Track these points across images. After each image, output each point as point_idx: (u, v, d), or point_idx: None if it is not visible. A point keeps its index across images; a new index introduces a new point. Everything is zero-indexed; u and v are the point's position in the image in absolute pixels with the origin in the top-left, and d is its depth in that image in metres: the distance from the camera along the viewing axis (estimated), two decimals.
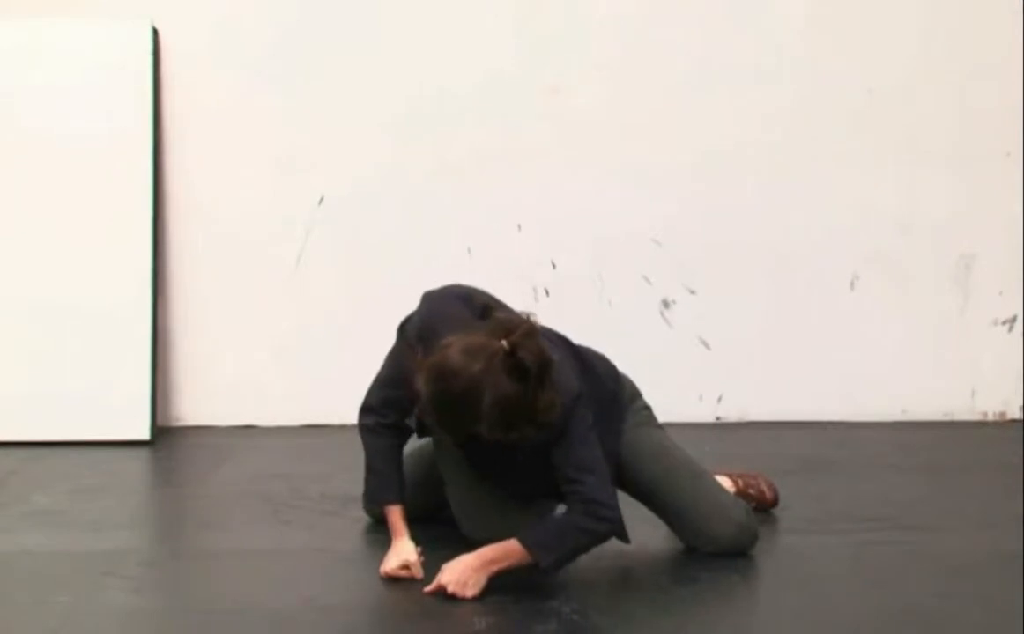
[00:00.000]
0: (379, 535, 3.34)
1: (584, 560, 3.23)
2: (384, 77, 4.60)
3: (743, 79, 4.61)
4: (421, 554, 3.11)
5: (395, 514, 3.17)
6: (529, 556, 2.97)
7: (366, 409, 3.22)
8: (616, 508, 3.02)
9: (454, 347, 2.82)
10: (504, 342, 2.82)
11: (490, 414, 2.81)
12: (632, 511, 3.61)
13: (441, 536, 3.24)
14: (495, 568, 2.99)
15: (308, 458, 4.21)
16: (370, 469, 3.23)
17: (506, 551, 2.99)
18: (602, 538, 3.03)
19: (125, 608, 3.01)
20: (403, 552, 3.11)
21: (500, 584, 3.08)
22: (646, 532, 3.45)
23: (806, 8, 4.61)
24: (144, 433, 4.49)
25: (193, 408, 4.71)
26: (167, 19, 4.60)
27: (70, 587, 3.11)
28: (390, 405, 3.18)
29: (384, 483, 3.19)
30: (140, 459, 4.36)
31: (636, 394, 3.35)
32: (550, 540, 2.99)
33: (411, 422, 3.19)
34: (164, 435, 4.57)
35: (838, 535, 3.44)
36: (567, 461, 2.99)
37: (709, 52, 4.61)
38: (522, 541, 2.98)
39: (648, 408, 3.35)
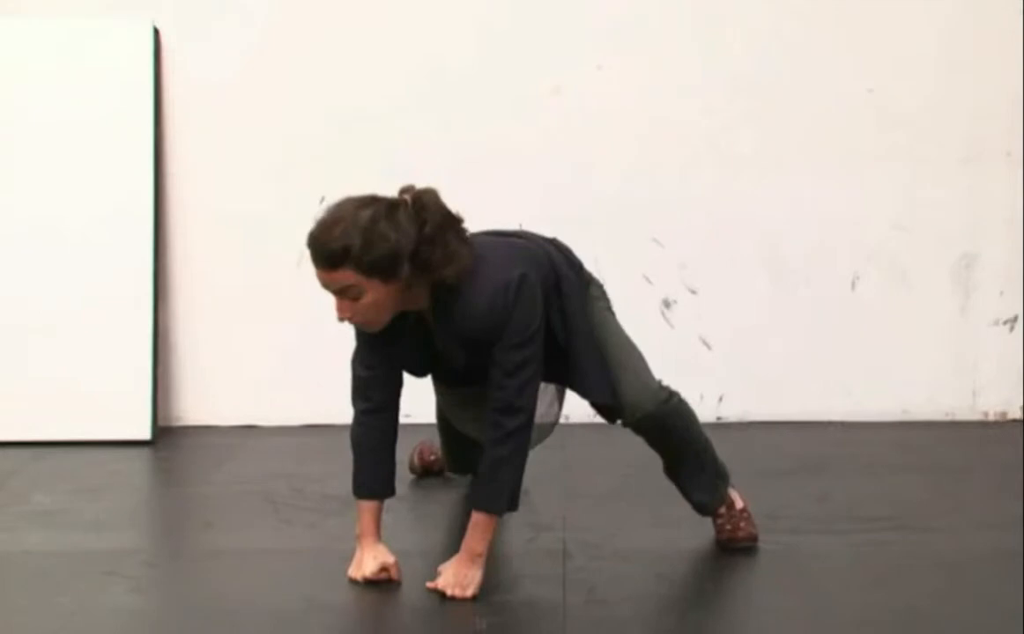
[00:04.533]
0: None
1: (586, 560, 3.23)
2: (385, 77, 4.60)
3: (743, 79, 4.61)
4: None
5: (367, 513, 3.14)
6: (491, 518, 3.00)
7: (352, 394, 3.18)
8: (527, 402, 2.97)
9: None
10: (406, 196, 2.92)
11: (362, 230, 2.81)
12: (631, 513, 3.63)
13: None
14: (482, 553, 3.01)
15: (309, 458, 4.21)
16: (354, 459, 3.17)
17: (478, 530, 3.00)
18: (518, 434, 2.97)
19: (126, 608, 3.01)
20: (379, 554, 3.11)
21: (501, 583, 3.09)
22: (646, 533, 3.46)
23: (806, 7, 4.61)
24: (145, 433, 4.50)
25: (194, 408, 4.71)
26: (167, 18, 4.60)
27: (71, 587, 3.12)
28: (369, 386, 3.12)
29: (360, 476, 3.15)
30: (141, 459, 4.36)
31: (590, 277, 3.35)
32: (492, 487, 2.99)
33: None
34: (165, 435, 4.57)
35: (838, 535, 3.44)
36: (496, 362, 2.96)
37: (709, 52, 4.61)
38: (476, 509, 3.01)
39: (601, 286, 3.35)
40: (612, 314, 3.32)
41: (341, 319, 2.94)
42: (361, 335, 3.10)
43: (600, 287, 3.35)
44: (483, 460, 3.03)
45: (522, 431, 2.98)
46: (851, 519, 3.56)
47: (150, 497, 4.14)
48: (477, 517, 3.02)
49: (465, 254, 2.93)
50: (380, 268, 2.85)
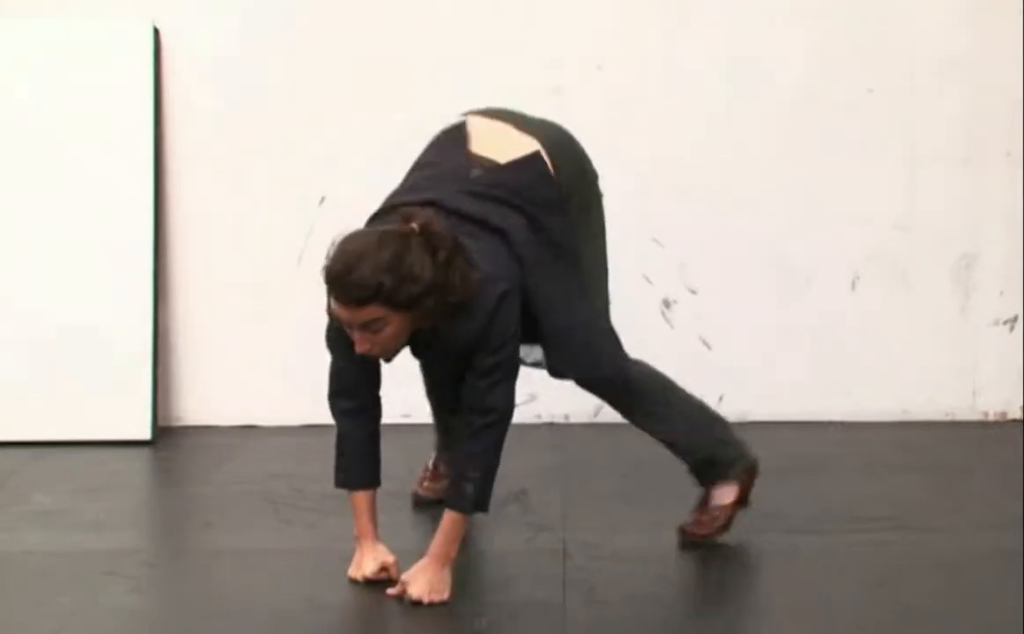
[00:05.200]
0: (380, 534, 3.34)
1: (586, 560, 3.23)
2: (385, 77, 4.60)
3: (743, 79, 4.61)
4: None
5: (363, 514, 3.13)
6: (463, 515, 3.00)
7: (332, 394, 3.16)
8: (496, 402, 2.98)
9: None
10: (413, 224, 2.89)
11: (390, 267, 2.81)
12: (631, 513, 3.62)
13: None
14: (451, 555, 3.01)
15: (309, 458, 4.21)
16: (340, 452, 3.18)
17: (447, 531, 3.00)
18: (487, 432, 2.98)
19: (126, 608, 3.01)
20: (379, 554, 3.11)
21: (501, 583, 3.09)
22: (646, 533, 3.46)
23: (806, 7, 4.61)
24: (145, 433, 4.49)
25: (194, 408, 4.71)
26: (168, 19, 4.60)
27: (71, 587, 3.12)
28: (347, 383, 3.13)
29: (349, 470, 3.16)
30: (141, 459, 4.36)
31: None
32: (459, 486, 2.99)
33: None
34: (165, 435, 4.57)
35: (838, 535, 3.44)
36: (474, 367, 2.98)
37: (709, 52, 4.61)
38: (449, 507, 3.01)
39: (591, 187, 3.34)
40: (589, 240, 3.28)
41: (361, 352, 2.93)
42: (338, 341, 3.09)
43: (588, 189, 3.32)
44: (458, 461, 3.05)
45: (491, 429, 2.99)
46: (851, 519, 3.56)
47: (150, 497, 4.14)
48: (446, 519, 3.01)
49: (474, 276, 2.93)
50: (409, 302, 2.85)
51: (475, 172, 3.13)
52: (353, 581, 3.10)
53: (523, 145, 3.21)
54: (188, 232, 4.66)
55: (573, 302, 3.15)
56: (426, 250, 2.87)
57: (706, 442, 3.39)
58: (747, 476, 3.41)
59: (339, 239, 2.90)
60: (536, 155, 3.18)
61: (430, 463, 3.76)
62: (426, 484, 3.74)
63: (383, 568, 3.09)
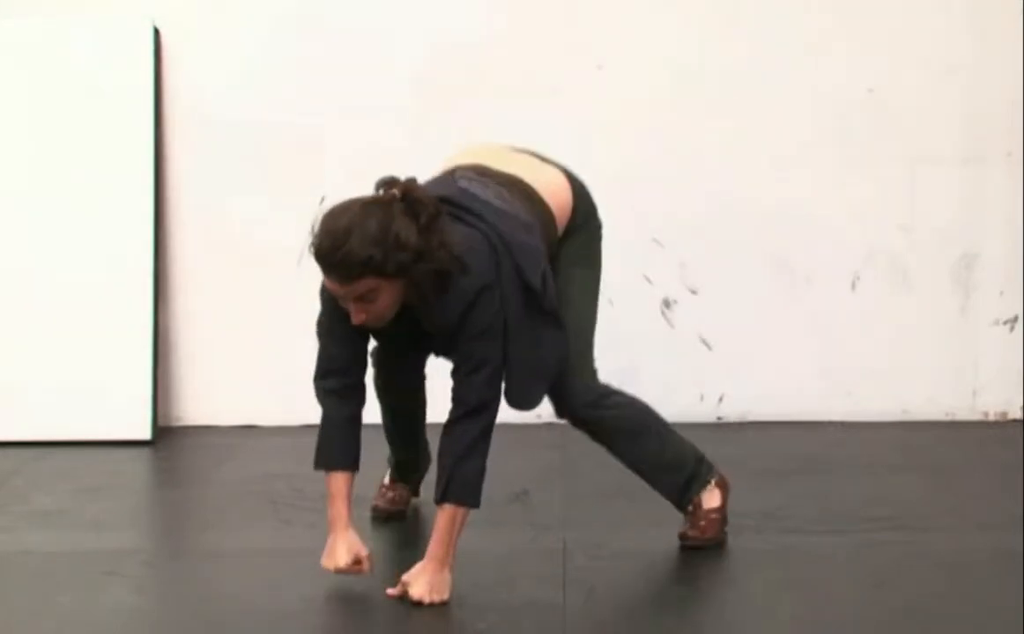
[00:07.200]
0: (380, 534, 3.35)
1: (586, 560, 3.23)
2: (385, 77, 4.60)
3: (743, 79, 4.61)
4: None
5: (339, 500, 3.06)
6: (462, 510, 2.98)
7: (318, 376, 3.13)
8: (476, 397, 2.97)
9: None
10: (395, 190, 2.92)
11: (377, 239, 2.82)
12: (631, 513, 3.62)
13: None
14: (449, 554, 2.99)
15: (309, 458, 4.18)
16: (321, 433, 3.13)
17: (441, 529, 2.97)
18: (465, 419, 2.97)
19: (126, 608, 3.02)
20: (353, 545, 3.05)
21: (501, 583, 3.09)
22: (646, 533, 3.46)
23: (806, 7, 4.61)
24: (145, 433, 4.50)
25: (194, 408, 4.71)
26: (168, 19, 4.60)
27: (71, 587, 3.12)
28: (337, 369, 3.11)
29: (329, 450, 3.11)
30: (141, 459, 4.36)
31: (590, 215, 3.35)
32: (459, 480, 2.96)
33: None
34: (165, 435, 4.58)
35: (838, 535, 3.44)
36: (459, 356, 2.99)
37: (709, 52, 4.61)
38: (447, 502, 2.96)
39: (596, 241, 3.34)
40: (580, 277, 3.29)
41: (358, 322, 2.94)
42: (329, 327, 3.10)
43: (593, 232, 3.33)
44: (440, 454, 3.02)
45: (466, 420, 2.97)
46: (851, 519, 3.56)
47: (150, 497, 4.14)
48: (437, 517, 2.99)
49: (454, 241, 2.93)
50: (399, 270, 2.86)
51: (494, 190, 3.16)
52: (326, 571, 3.05)
53: (546, 172, 3.32)
54: (188, 232, 4.66)
55: (536, 335, 3.11)
56: (409, 215, 2.88)
57: (682, 467, 3.37)
58: (725, 486, 3.41)
59: (322, 215, 2.91)
60: (549, 212, 3.23)
61: (386, 479, 3.70)
62: (389, 496, 3.68)
63: (357, 560, 3.05)
